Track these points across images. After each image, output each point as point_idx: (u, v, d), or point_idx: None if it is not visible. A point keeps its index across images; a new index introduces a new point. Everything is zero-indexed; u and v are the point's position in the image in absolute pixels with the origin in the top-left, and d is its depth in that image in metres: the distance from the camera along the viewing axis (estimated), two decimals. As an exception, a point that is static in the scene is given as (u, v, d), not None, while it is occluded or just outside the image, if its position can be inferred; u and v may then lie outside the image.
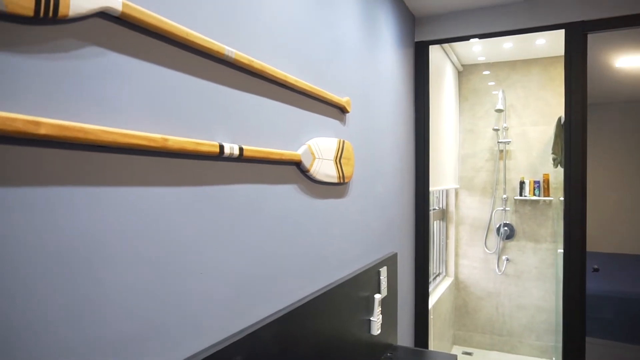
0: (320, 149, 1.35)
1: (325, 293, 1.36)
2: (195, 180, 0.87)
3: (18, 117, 0.55)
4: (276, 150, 1.11)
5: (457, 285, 3.78)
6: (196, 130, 0.87)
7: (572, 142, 2.19)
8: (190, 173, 0.86)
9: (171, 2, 0.81)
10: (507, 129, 3.61)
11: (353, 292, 1.57)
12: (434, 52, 2.95)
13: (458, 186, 3.74)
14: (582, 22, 2.18)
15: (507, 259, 3.60)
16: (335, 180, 1.44)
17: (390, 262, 2.00)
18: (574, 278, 2.19)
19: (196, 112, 0.87)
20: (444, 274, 3.71)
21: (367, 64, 1.78)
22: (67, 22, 0.62)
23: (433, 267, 3.55)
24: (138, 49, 0.74)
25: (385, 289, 1.90)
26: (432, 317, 2.85)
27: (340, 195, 1.54)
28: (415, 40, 2.53)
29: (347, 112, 1.56)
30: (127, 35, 0.72)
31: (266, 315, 1.09)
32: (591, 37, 2.24)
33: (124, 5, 0.69)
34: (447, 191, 3.73)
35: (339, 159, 1.47)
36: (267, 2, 1.10)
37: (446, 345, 3.47)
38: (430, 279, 3.40)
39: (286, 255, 1.19)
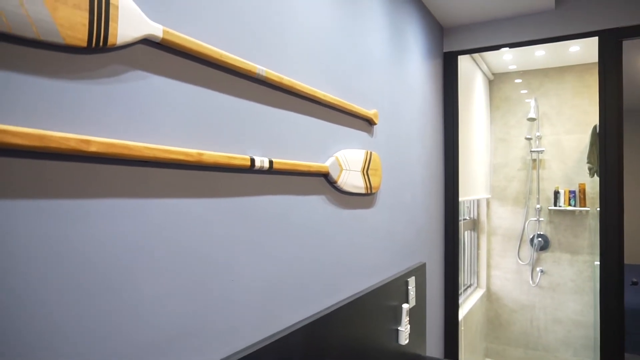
0: (347, 161, 1.38)
1: (352, 302, 1.38)
2: (228, 192, 0.92)
3: (71, 137, 0.61)
4: (304, 162, 1.16)
5: (489, 297, 3.71)
6: (229, 144, 0.92)
7: (607, 150, 2.13)
8: (224, 185, 0.91)
9: (207, 26, 0.87)
10: (540, 138, 3.53)
11: (381, 302, 1.59)
12: (464, 61, 2.95)
13: (489, 196, 3.68)
14: (617, 29, 2.14)
15: (542, 271, 3.51)
16: (363, 191, 1.47)
17: (419, 272, 2.00)
18: (611, 291, 2.12)
19: (229, 128, 0.92)
20: (475, 285, 3.65)
21: (394, 75, 1.81)
22: (114, 50, 0.69)
23: (464, 278, 3.50)
24: (176, 71, 0.80)
25: (414, 299, 1.90)
26: (462, 328, 2.81)
27: (368, 205, 1.56)
28: (444, 50, 2.54)
29: (375, 124, 1.59)
30: (166, 58, 0.78)
31: (294, 322, 1.13)
32: (626, 44, 2.19)
33: (164, 32, 0.75)
34: (478, 201, 3.68)
35: (366, 170, 1.50)
36: (297, 21, 1.15)
37: (478, 358, 3.40)
38: (461, 290, 3.35)
39: (314, 264, 1.23)
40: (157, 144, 0.76)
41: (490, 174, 3.70)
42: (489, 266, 3.70)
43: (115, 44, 0.67)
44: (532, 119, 3.51)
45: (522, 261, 3.57)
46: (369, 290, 1.51)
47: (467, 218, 3.56)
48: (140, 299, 0.73)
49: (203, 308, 0.85)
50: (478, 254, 3.67)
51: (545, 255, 3.51)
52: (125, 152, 0.68)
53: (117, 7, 0.66)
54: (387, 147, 1.72)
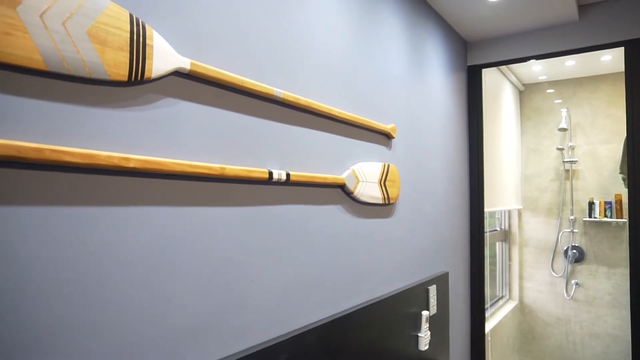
0: (364, 173, 1.48)
1: (369, 306, 1.46)
2: (248, 202, 1.03)
3: (114, 155, 0.74)
4: (320, 174, 1.26)
5: (522, 310, 3.65)
6: (249, 159, 1.04)
7: (635, 160, 2.12)
8: (244, 196, 1.02)
9: (229, 55, 0.99)
10: (574, 148, 3.48)
11: (399, 307, 1.66)
12: (490, 74, 2.98)
13: (521, 207, 3.65)
14: (643, 39, 2.13)
15: (577, 283, 3.43)
16: (380, 201, 1.55)
17: (441, 280, 2.05)
18: (642, 304, 2.08)
19: (249, 144, 1.04)
20: (507, 297, 3.60)
21: (414, 90, 1.89)
22: (150, 82, 0.82)
23: (497, 290, 3.47)
24: (202, 97, 0.93)
25: (435, 307, 1.95)
26: (489, 338, 2.80)
27: (386, 215, 1.64)
28: (468, 64, 2.59)
29: (393, 137, 1.68)
30: (194, 86, 0.91)
31: (310, 322, 1.23)
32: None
33: (191, 64, 0.88)
34: (509, 212, 3.65)
35: (383, 182, 1.58)
36: (314, 45, 1.27)
37: (510, 371, 3.35)
38: (489, 301, 3.33)
39: (330, 269, 1.32)
40: (184, 160, 0.88)
41: (521, 184, 3.67)
42: (521, 278, 3.65)
43: (150, 78, 0.80)
44: (563, 129, 3.47)
45: (556, 273, 3.51)
46: (388, 295, 1.59)
47: (498, 229, 3.54)
48: (170, 294, 0.85)
49: (224, 305, 0.96)
50: (510, 266, 3.63)
51: (580, 267, 3.43)
52: (158, 167, 0.81)
53: (152, 47, 0.80)
54: (406, 159, 1.80)
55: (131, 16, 0.77)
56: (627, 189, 3.25)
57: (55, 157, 0.66)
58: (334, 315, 1.31)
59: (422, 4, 2.00)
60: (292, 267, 1.17)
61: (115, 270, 0.76)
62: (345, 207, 1.40)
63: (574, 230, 3.45)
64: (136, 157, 0.77)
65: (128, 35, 0.76)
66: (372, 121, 1.54)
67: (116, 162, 0.74)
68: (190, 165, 0.87)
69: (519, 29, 2.40)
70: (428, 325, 1.83)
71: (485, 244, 2.56)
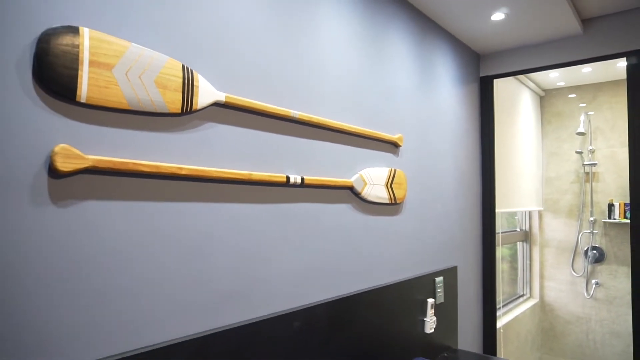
0: (371, 177, 1.74)
1: (376, 289, 1.72)
2: (270, 200, 1.32)
3: (172, 166, 1.05)
4: (331, 178, 1.53)
5: (543, 308, 3.77)
6: (270, 167, 1.33)
7: (636, 163, 2.26)
8: (267, 195, 1.31)
9: (255, 87, 1.29)
10: (594, 151, 3.58)
11: (406, 294, 1.90)
12: (508, 82, 3.15)
13: (542, 208, 3.77)
14: (644, 49, 2.27)
15: (597, 283, 3.52)
16: (387, 201, 1.81)
17: (449, 273, 2.27)
18: (642, 299, 2.22)
19: (270, 155, 1.33)
20: (527, 295, 3.73)
21: (423, 102, 2.13)
22: (196, 112, 1.13)
23: (518, 288, 3.61)
24: (234, 120, 1.23)
25: (442, 296, 2.18)
26: (501, 330, 2.97)
27: (393, 213, 1.90)
28: (481, 75, 2.79)
29: (400, 146, 1.93)
30: (228, 113, 1.21)
31: (321, 299, 1.50)
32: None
33: (226, 97, 1.18)
34: (530, 213, 3.78)
35: (390, 184, 1.84)
36: (326, 69, 1.55)
37: (530, 366, 3.49)
38: (500, 296, 3.48)
39: (340, 257, 1.59)
40: (221, 168, 1.18)
41: (542, 187, 3.79)
42: (542, 277, 3.77)
43: (196, 109, 1.11)
44: (581, 134, 3.57)
45: (577, 273, 3.61)
46: (394, 282, 1.84)
47: (518, 230, 3.68)
48: (211, 267, 1.15)
49: (252, 281, 1.26)
50: (530, 265, 3.76)
51: (600, 267, 3.52)
52: (202, 174, 1.11)
53: (197, 87, 1.10)
54: (414, 164, 2.05)
55: (183, 66, 1.08)
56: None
57: (135, 167, 0.97)
58: (342, 295, 1.58)
59: (431, 24, 2.24)
60: (306, 254, 1.45)
61: (175, 247, 1.07)
62: (354, 205, 1.67)
63: (594, 232, 3.54)
64: (187, 167, 1.08)
65: (181, 80, 1.07)
66: (380, 132, 1.80)
67: (174, 170, 1.05)
68: (226, 172, 1.17)
69: (527, 42, 2.58)
70: (434, 312, 2.06)
71: (498, 243, 2.74)
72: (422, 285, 2.03)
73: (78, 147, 0.90)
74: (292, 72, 1.42)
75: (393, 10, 1.94)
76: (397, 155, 1.94)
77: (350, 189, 1.66)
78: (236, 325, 1.19)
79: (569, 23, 2.31)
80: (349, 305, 1.59)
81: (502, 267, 3.45)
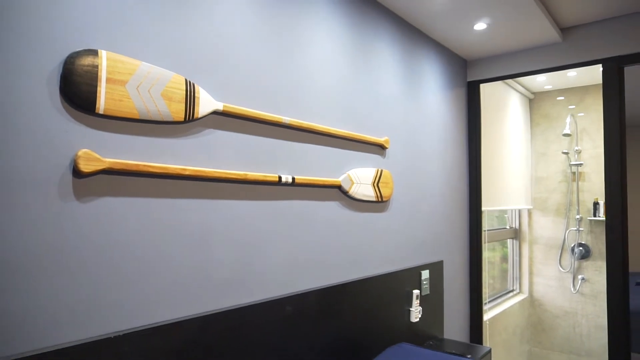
0: (358, 176, 1.89)
1: (363, 280, 1.87)
2: (264, 197, 1.48)
3: (177, 167, 1.21)
4: (320, 178, 1.69)
5: (532, 303, 3.91)
6: (264, 167, 1.49)
7: (610, 164, 2.40)
8: (261, 193, 1.47)
9: (249, 96, 1.44)
10: (580, 152, 3.72)
11: (392, 285, 2.05)
12: (497, 86, 3.30)
13: (531, 207, 3.92)
14: (618, 57, 2.42)
15: (583, 278, 3.67)
16: (374, 199, 1.96)
17: (435, 267, 2.42)
18: (617, 294, 2.37)
19: (264, 157, 1.49)
20: (517, 290, 3.88)
21: (410, 106, 2.28)
22: (197, 120, 1.29)
23: (508, 284, 3.76)
24: (231, 126, 1.38)
25: (427, 288, 2.33)
26: (487, 323, 3.12)
27: (380, 210, 2.05)
28: (468, 80, 2.94)
29: (386, 148, 2.09)
30: (225, 120, 1.37)
31: (310, 287, 1.66)
32: (627, 70, 2.44)
33: (224, 106, 1.34)
34: (519, 211, 3.93)
35: (376, 183, 1.99)
36: (314, 78, 1.70)
37: None
38: (487, 291, 3.63)
39: (328, 249, 1.75)
40: (220, 169, 1.34)
41: (531, 186, 3.94)
42: (531, 273, 3.92)
43: (198, 117, 1.26)
44: (567, 135, 3.72)
45: (564, 269, 3.75)
46: (380, 274, 1.99)
47: (508, 227, 3.83)
48: (211, 256, 1.31)
49: (247, 270, 1.41)
50: (520, 262, 3.91)
51: (586, 263, 3.67)
52: (203, 174, 1.27)
53: (199, 98, 1.26)
54: (400, 165, 2.20)
55: (186, 80, 1.24)
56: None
57: (145, 169, 1.13)
58: (331, 284, 1.74)
59: (417, 32, 2.39)
60: (297, 246, 1.60)
61: (179, 238, 1.22)
62: (342, 203, 1.83)
63: (580, 229, 3.69)
64: (190, 168, 1.24)
65: (184, 92, 1.23)
66: (367, 135, 1.96)
67: (178, 171, 1.21)
68: (224, 173, 1.33)
69: (510, 50, 2.73)
70: (419, 302, 2.21)
71: (484, 240, 2.89)
72: (408, 278, 2.18)
73: (97, 151, 1.06)
74: (284, 82, 1.57)
75: (380, 21, 2.09)
76: (384, 156, 2.10)
77: (339, 187, 1.81)
78: (233, 308, 1.35)
79: (548, 32, 2.46)
80: (338, 293, 1.74)
81: (496, 264, 3.60)
